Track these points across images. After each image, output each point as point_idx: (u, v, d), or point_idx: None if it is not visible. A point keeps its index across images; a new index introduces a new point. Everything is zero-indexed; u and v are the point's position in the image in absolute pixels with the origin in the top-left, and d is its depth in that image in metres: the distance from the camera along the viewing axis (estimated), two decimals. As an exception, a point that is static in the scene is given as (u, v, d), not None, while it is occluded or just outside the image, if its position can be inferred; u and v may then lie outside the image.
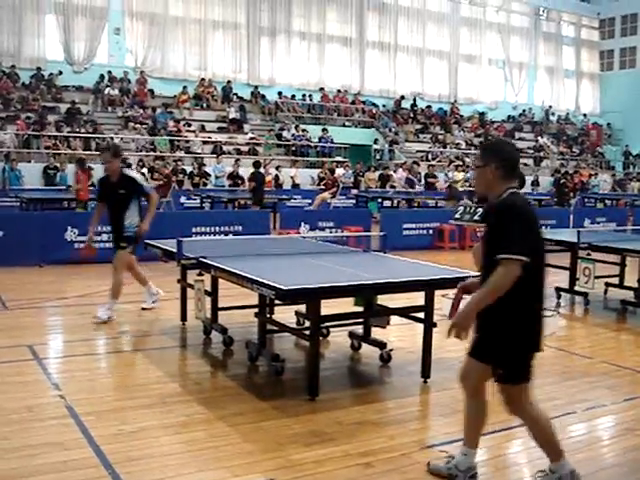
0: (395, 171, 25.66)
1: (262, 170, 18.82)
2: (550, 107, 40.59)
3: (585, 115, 41.86)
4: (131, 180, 8.56)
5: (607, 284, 10.47)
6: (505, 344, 3.99)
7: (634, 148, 39.21)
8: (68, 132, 24.03)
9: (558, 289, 10.25)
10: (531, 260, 3.82)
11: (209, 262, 6.64)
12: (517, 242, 3.79)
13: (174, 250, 7.10)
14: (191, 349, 7.46)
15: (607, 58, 43.81)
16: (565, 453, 4.25)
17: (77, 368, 6.62)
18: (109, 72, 28.00)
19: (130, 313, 8.92)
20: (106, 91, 27.27)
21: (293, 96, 31.70)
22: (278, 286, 5.37)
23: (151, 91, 28.56)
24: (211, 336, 7.71)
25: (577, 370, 6.89)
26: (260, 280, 5.63)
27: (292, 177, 25.12)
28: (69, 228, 12.45)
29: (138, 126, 25.79)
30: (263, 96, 30.80)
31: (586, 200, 27.08)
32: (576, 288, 9.89)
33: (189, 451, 4.72)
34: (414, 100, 34.99)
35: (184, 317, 8.20)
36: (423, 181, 26.30)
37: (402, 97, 34.77)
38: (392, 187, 24.76)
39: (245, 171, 23.65)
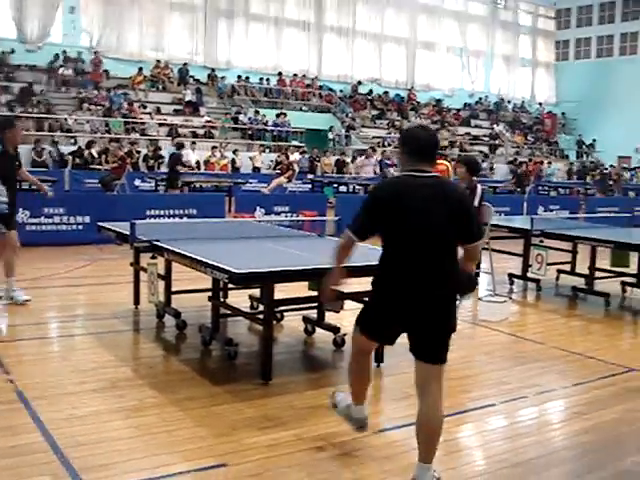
0: (367, 157, 25.13)
1: (184, 152, 18.75)
2: (504, 98, 40.89)
3: (540, 104, 42.25)
4: None
5: (559, 271, 10.60)
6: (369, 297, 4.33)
7: (587, 137, 39.74)
8: (20, 112, 23.58)
9: (511, 275, 10.36)
10: (383, 236, 4.11)
11: (162, 245, 6.58)
12: (354, 220, 4.16)
13: (127, 233, 7.02)
14: (144, 333, 7.39)
15: (563, 48, 44.27)
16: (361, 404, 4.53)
17: (27, 352, 6.53)
18: (63, 52, 27.49)
19: (82, 296, 8.81)
20: (60, 71, 26.80)
21: (247, 78, 31.44)
22: (231, 269, 5.34)
23: (106, 72, 28.14)
24: (164, 320, 7.64)
25: (529, 355, 6.97)
26: (213, 263, 5.59)
27: (251, 159, 24.93)
28: (20, 210, 12.16)
29: (93, 107, 25.41)
30: (223, 78, 30.52)
31: (540, 188, 27.38)
32: (529, 275, 10.00)
33: (140, 435, 4.68)
34: (370, 90, 34.95)
35: (137, 301, 8.11)
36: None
37: (359, 82, 34.76)
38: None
39: (200, 155, 23.56)
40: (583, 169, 34.09)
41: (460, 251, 4.16)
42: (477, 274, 5.05)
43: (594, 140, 39.19)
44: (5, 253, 8.20)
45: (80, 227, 12.70)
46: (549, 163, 32.84)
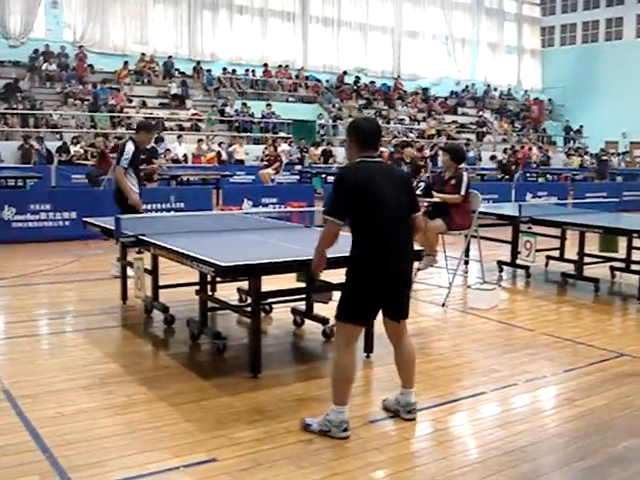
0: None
1: (171, 145, 18.69)
2: (490, 86, 40.88)
3: (526, 91, 42.28)
4: None
5: (548, 257, 10.60)
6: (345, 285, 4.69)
7: (574, 123, 39.81)
8: (5, 109, 23.43)
9: (500, 262, 10.35)
10: (356, 219, 4.52)
11: (148, 239, 6.52)
12: (331, 205, 4.55)
13: (113, 228, 6.96)
14: (132, 328, 7.33)
15: (548, 34, 44.30)
16: (346, 404, 4.60)
17: (14, 350, 6.47)
18: (47, 46, 27.27)
19: (70, 292, 8.76)
20: (44, 66, 26.60)
21: (233, 70, 31.31)
22: (217, 263, 5.30)
23: (91, 66, 27.97)
24: (152, 315, 7.60)
25: (518, 342, 6.95)
26: (199, 257, 5.55)
27: (233, 152, 24.81)
28: (6, 207, 12.14)
29: (78, 102, 25.26)
30: (209, 71, 30.38)
31: (528, 175, 27.39)
32: (517, 261, 9.98)
33: (130, 432, 4.64)
34: (357, 77, 34.87)
35: (125, 296, 8.07)
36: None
37: (345, 72, 34.63)
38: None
39: (187, 148, 23.45)
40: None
41: None
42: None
43: (581, 126, 39.27)
44: None
45: (67, 223, 12.62)
46: (544, 150, 32.85)
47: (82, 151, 21.20)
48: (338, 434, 4.51)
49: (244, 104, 28.66)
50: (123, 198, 8.93)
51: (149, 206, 13.26)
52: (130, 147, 8.93)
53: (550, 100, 42.34)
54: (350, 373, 4.61)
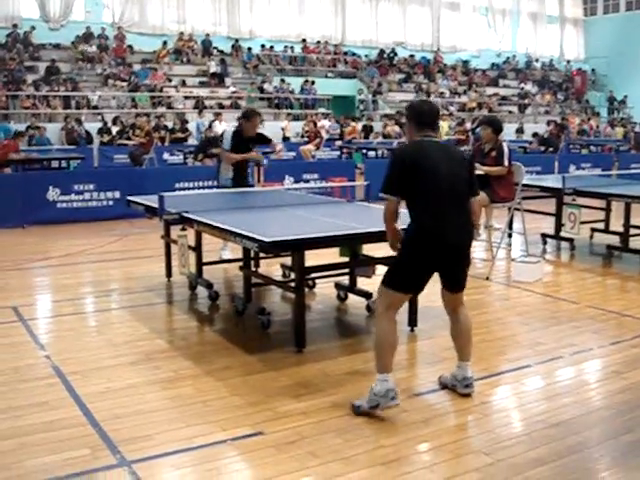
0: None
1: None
2: (532, 57, 40.25)
3: (569, 61, 41.57)
4: None
5: (593, 229, 10.47)
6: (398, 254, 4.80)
7: (618, 94, 39.06)
8: (47, 91, 23.67)
9: (544, 235, 10.25)
10: (412, 195, 4.60)
11: (192, 216, 6.56)
12: (385, 182, 4.64)
13: (156, 206, 7.02)
14: (177, 305, 7.42)
15: (591, 3, 43.33)
16: (391, 371, 4.55)
17: (63, 328, 6.59)
18: (87, 28, 27.48)
19: (115, 271, 8.87)
20: (84, 48, 26.79)
21: (271, 47, 31.23)
22: (261, 238, 5.32)
23: (130, 47, 28.11)
24: (196, 291, 7.68)
25: (564, 315, 6.90)
26: (243, 233, 5.57)
27: (283, 129, 24.78)
28: (50, 188, 12.31)
29: (118, 83, 25.43)
30: (249, 49, 30.35)
31: (571, 146, 26.99)
32: (562, 234, 9.88)
33: (177, 407, 4.71)
34: (392, 50, 34.52)
35: (169, 273, 8.16)
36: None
37: (382, 51, 34.29)
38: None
39: (226, 126, 23.42)
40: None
41: None
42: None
43: (625, 96, 38.52)
44: None
45: (110, 202, 12.76)
46: (584, 121, 32.31)
47: (124, 131, 21.30)
48: (387, 403, 4.49)
49: (282, 80, 28.60)
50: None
51: (192, 184, 13.37)
52: (228, 132, 9.12)
53: (593, 70, 41.57)
54: (388, 339, 4.59)
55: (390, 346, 4.59)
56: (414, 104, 5.09)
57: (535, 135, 25.72)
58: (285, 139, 24.26)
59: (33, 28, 26.42)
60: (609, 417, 4.64)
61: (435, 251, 4.58)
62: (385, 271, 4.76)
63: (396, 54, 34.57)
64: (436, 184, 4.55)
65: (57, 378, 5.21)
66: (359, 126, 25.64)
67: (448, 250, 4.62)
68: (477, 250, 9.81)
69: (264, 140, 9.37)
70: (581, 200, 9.76)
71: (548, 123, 27.18)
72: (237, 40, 30.72)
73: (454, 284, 4.82)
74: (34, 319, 6.84)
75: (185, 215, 6.67)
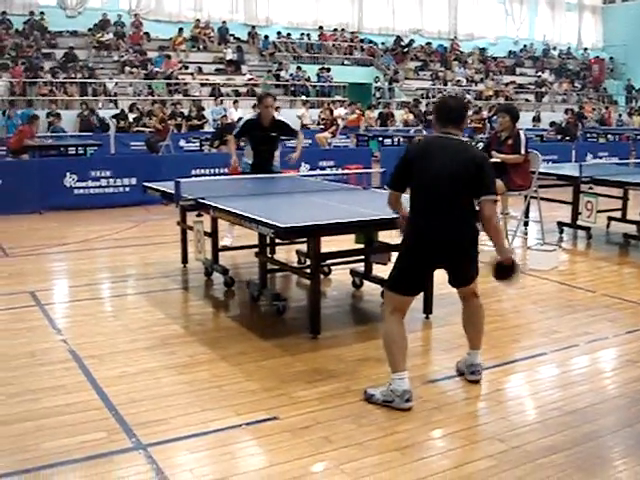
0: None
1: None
2: (549, 45, 39.95)
3: (587, 49, 41.23)
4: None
5: (609, 218, 10.42)
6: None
7: (636, 82, 38.71)
8: (64, 78, 23.73)
9: (560, 224, 10.20)
10: (411, 193, 4.70)
11: (208, 202, 6.58)
12: (390, 176, 4.84)
13: (172, 192, 7.05)
14: (193, 291, 7.45)
15: (610, -10, 43.03)
16: (404, 370, 4.51)
17: (79, 313, 6.63)
18: (103, 15, 27.51)
19: (131, 256, 8.91)
20: (100, 35, 26.83)
21: (288, 34, 31.16)
22: (277, 224, 5.33)
23: (146, 34, 28.13)
24: (212, 277, 7.71)
25: (579, 303, 6.88)
26: (259, 218, 5.58)
27: (299, 117, 24.74)
28: (68, 174, 12.38)
29: (135, 70, 25.47)
30: (265, 36, 30.29)
31: (588, 135, 26.82)
32: (578, 222, 9.84)
33: (192, 391, 4.74)
34: (410, 41, 34.35)
35: (185, 259, 8.19)
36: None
37: (398, 37, 34.13)
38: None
39: (242, 113, 23.42)
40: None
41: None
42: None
43: (644, 84, 38.23)
44: None
45: (127, 189, 12.82)
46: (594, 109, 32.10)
47: (141, 118, 21.36)
48: (401, 405, 4.46)
49: (299, 68, 28.54)
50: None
51: (208, 171, 13.39)
52: (244, 117, 9.12)
53: (611, 58, 41.20)
54: (396, 341, 4.57)
55: (398, 348, 4.57)
56: (441, 99, 5.23)
57: (552, 124, 25.56)
58: (302, 127, 24.21)
59: (42, 13, 26.35)
60: (624, 405, 4.63)
61: (423, 249, 4.60)
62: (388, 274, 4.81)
63: (413, 41, 34.34)
64: (424, 183, 4.60)
65: (74, 362, 5.25)
66: (374, 114, 25.53)
67: (436, 248, 4.58)
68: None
69: (288, 131, 9.11)
70: (598, 189, 9.72)
71: (566, 112, 27.02)
72: (254, 27, 30.68)
73: (455, 280, 4.82)
74: (51, 304, 6.89)
75: (201, 201, 6.69)
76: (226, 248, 8.15)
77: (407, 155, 4.77)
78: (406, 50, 33.56)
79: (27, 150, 14.85)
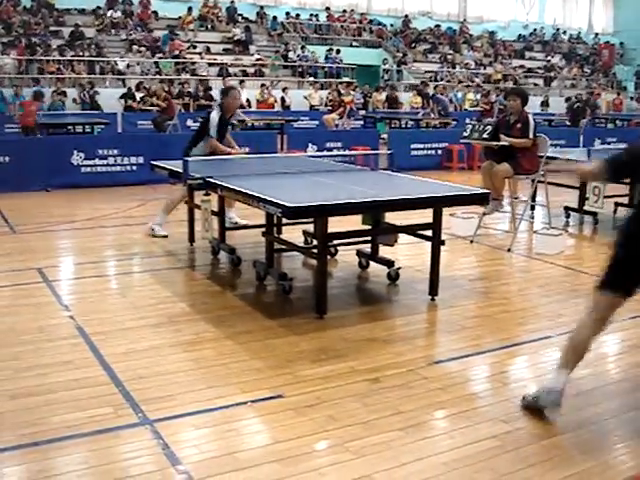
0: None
1: None
2: (559, 29, 39.71)
3: (597, 34, 40.97)
4: None
5: (616, 204, 10.38)
6: None
7: (647, 68, 38.55)
8: (71, 56, 23.70)
9: (567, 208, 10.18)
10: None
11: (215, 181, 6.59)
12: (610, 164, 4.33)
13: (180, 171, 7.05)
14: (199, 269, 7.48)
15: (620, -26, 42.70)
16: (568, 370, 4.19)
17: (86, 290, 6.65)
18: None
19: (137, 235, 8.92)
20: (109, 13, 26.77)
21: (297, 15, 31.05)
22: (284, 203, 5.34)
23: (155, 13, 28.05)
24: (219, 256, 7.74)
25: (584, 288, 6.87)
26: (266, 198, 5.58)
27: (306, 97, 24.70)
28: (75, 152, 12.38)
29: (142, 49, 25.42)
30: (274, 17, 30.17)
31: (596, 121, 26.71)
32: (585, 208, 9.81)
33: (198, 368, 4.77)
34: (419, 33, 34.20)
35: (192, 238, 8.21)
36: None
37: (407, 16, 33.96)
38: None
39: (249, 93, 23.36)
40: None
41: None
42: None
43: (654, 70, 38.02)
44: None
45: (134, 168, 12.82)
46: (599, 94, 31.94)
47: (147, 97, 21.34)
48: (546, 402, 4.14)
49: (303, 47, 28.37)
50: None
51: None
52: (214, 116, 8.61)
53: (622, 44, 40.95)
54: (581, 346, 4.19)
55: (576, 352, 4.21)
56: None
57: (568, 99, 25.61)
58: (311, 107, 24.19)
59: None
60: (628, 389, 4.65)
61: None
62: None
63: (421, 31, 34.18)
64: None
65: (81, 338, 5.28)
66: (382, 96, 25.43)
67: None
68: (500, 222, 9.78)
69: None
70: (606, 174, 9.66)
71: (576, 97, 26.94)
72: (262, 7, 30.59)
73: None
74: (58, 280, 6.92)
75: (209, 180, 6.69)
76: (232, 228, 8.16)
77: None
78: (417, 38, 33.33)
79: (36, 129, 14.86)
